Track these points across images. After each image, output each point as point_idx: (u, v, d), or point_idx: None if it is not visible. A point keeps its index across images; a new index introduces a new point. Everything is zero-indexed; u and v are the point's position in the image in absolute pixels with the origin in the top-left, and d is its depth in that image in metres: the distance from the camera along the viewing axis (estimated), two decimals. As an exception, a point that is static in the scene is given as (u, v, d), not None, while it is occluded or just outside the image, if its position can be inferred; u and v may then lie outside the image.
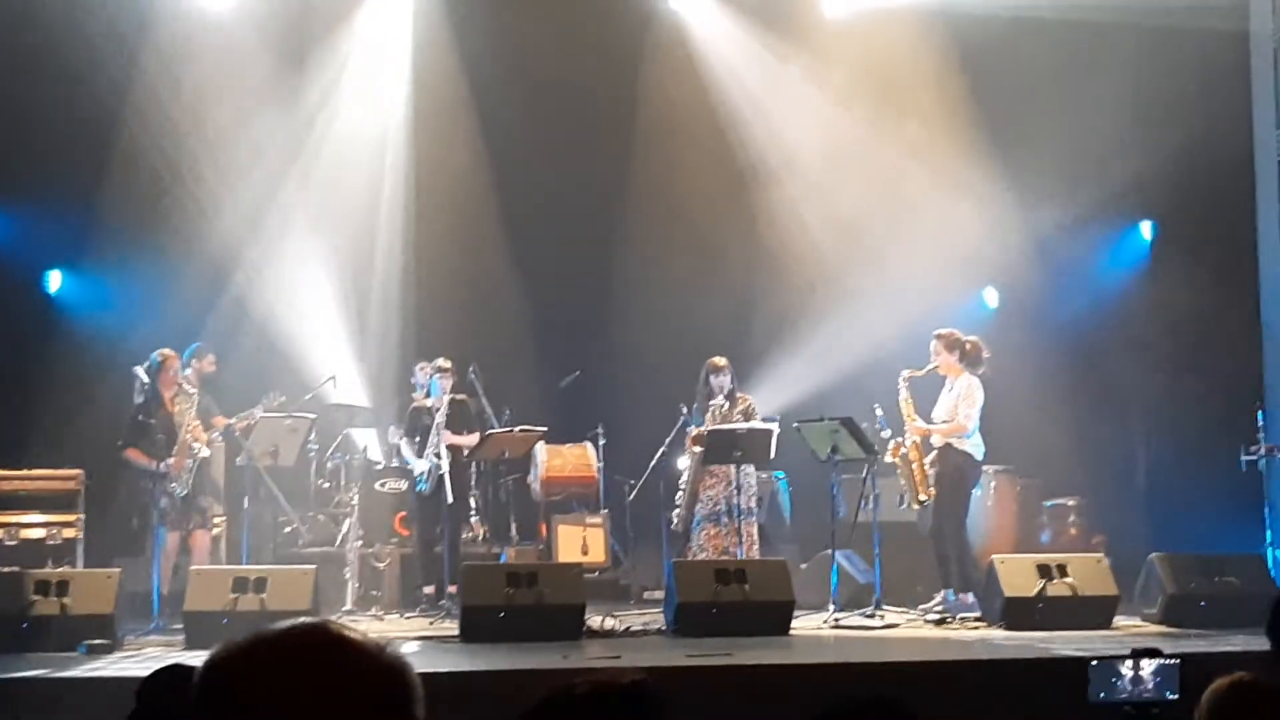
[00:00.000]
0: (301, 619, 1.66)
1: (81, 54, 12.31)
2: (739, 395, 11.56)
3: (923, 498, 10.71)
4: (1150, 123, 13.04)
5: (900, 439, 10.76)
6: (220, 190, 13.10)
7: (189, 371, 11.06)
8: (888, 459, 10.80)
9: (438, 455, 11.19)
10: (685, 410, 11.73)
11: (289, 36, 13.24)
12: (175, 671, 4.51)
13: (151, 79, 12.83)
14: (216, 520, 11.56)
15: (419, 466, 11.40)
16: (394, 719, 1.61)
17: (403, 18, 13.65)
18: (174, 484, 10.47)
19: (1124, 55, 12.75)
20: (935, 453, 10.68)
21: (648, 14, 13.98)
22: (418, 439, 11.47)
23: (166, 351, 10.82)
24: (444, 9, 13.50)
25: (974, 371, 10.72)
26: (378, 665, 1.62)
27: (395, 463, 12.54)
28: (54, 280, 13.20)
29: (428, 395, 11.62)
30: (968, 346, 10.78)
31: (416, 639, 9.35)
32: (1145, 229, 13.82)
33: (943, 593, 10.59)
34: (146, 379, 10.73)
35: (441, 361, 11.61)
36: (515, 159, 13.77)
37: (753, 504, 11.44)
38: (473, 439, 11.53)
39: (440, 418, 11.27)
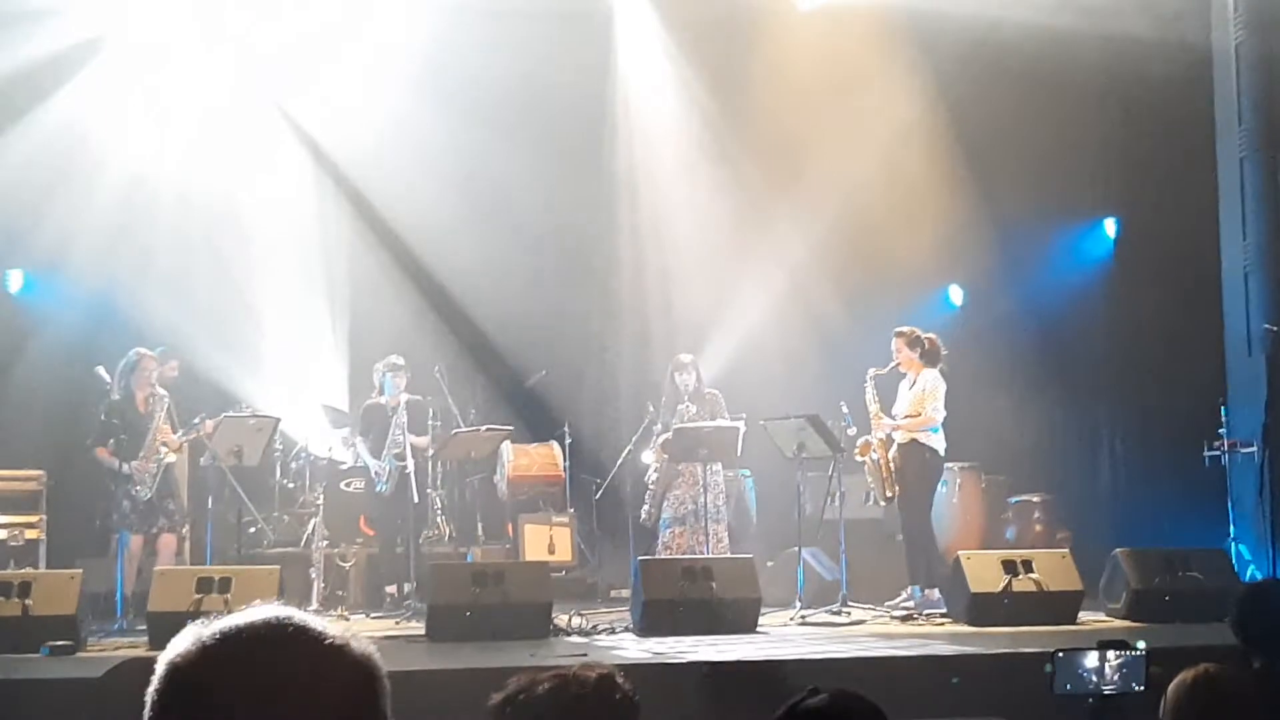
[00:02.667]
0: (266, 609, 1.63)
1: (47, 51, 12.27)
2: (707, 391, 11.56)
3: (889, 494, 10.77)
4: (1114, 120, 13.13)
5: (868, 438, 10.82)
6: (186, 189, 13.03)
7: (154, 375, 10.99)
8: (857, 458, 10.86)
9: (398, 456, 11.13)
10: (652, 408, 11.74)
11: (251, 37, 13.18)
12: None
13: (116, 78, 12.78)
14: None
15: (375, 466, 11.35)
16: (361, 712, 1.59)
17: (358, 20, 13.55)
18: (138, 487, 10.37)
19: (1088, 53, 12.82)
20: (897, 448, 10.73)
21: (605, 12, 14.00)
22: (371, 437, 11.42)
23: (143, 350, 10.70)
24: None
25: (933, 366, 10.81)
26: (345, 657, 1.60)
27: (359, 463, 12.49)
28: (14, 280, 13.09)
29: (382, 393, 11.54)
30: (927, 343, 10.90)
31: (383, 638, 9.30)
32: (1109, 226, 13.91)
33: (910, 588, 10.62)
34: (108, 378, 10.62)
35: (394, 359, 11.53)
36: (479, 156, 13.72)
37: (720, 504, 11.45)
38: (425, 440, 11.51)
39: (400, 417, 11.21)
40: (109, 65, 12.84)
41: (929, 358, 10.86)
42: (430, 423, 11.89)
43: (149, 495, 10.42)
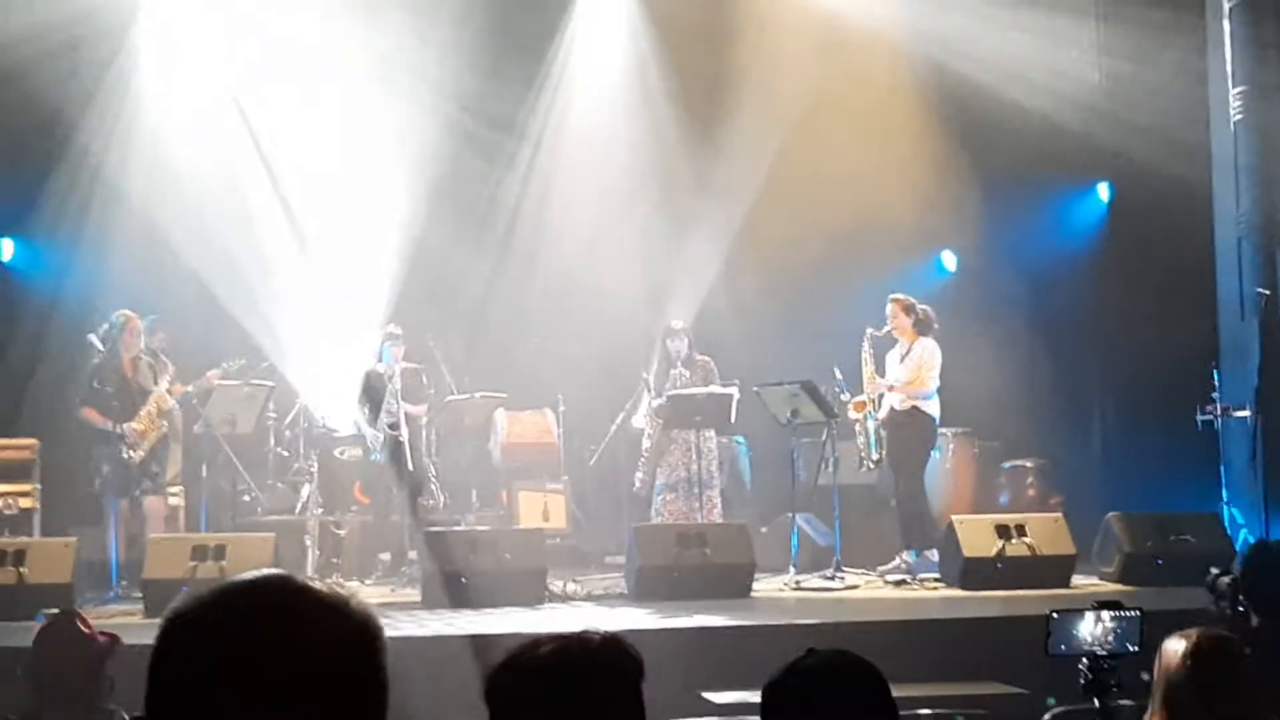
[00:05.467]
0: (264, 571, 1.63)
1: (37, 26, 12.22)
2: (698, 358, 11.54)
3: (876, 457, 10.81)
4: (1107, 83, 13.10)
5: (863, 396, 10.83)
6: (182, 158, 13.03)
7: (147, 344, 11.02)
8: (850, 414, 10.88)
9: (392, 425, 11.11)
10: (645, 375, 11.75)
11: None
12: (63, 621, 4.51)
13: (109, 48, 12.74)
14: (173, 489, 11.51)
15: (371, 434, 11.33)
16: (360, 671, 1.59)
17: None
18: (130, 451, 10.34)
19: (1078, 13, 12.81)
20: (891, 412, 10.76)
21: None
22: (369, 405, 11.40)
23: (128, 313, 10.65)
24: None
25: (925, 335, 10.85)
26: (344, 617, 1.60)
27: (354, 430, 12.47)
28: (6, 249, 13.05)
29: (380, 361, 11.53)
30: (920, 313, 10.95)
31: (378, 605, 9.30)
32: (1102, 190, 13.88)
33: (906, 553, 10.65)
34: (102, 346, 10.58)
35: (392, 328, 11.53)
36: (474, 124, 13.68)
37: (714, 470, 11.46)
38: (422, 409, 11.52)
39: (396, 384, 11.20)
40: (107, 39, 12.80)
41: (921, 327, 10.91)
42: (427, 391, 11.89)
43: (140, 458, 10.38)
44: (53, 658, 4.32)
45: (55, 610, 8.44)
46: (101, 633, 4.92)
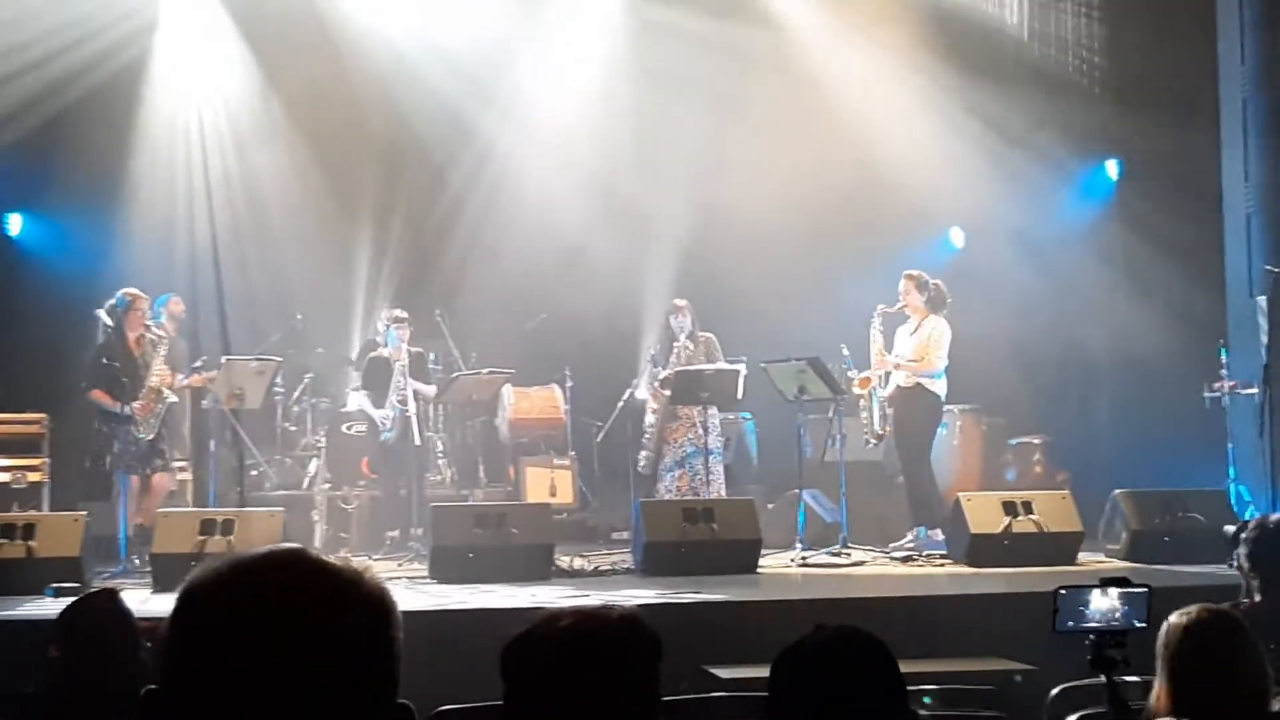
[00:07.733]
0: (279, 545, 1.64)
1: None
2: (700, 334, 11.55)
3: (880, 431, 10.83)
4: (1116, 59, 13.07)
5: (870, 373, 10.84)
6: (187, 133, 13.06)
7: (164, 319, 11.04)
8: (856, 390, 10.89)
9: (402, 403, 11.13)
10: (653, 351, 11.78)
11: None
12: (97, 599, 4.47)
13: (124, 31, 12.77)
14: (181, 464, 11.53)
15: (380, 416, 11.33)
16: (374, 644, 1.60)
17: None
18: (140, 429, 10.35)
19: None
20: (897, 390, 10.77)
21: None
22: (374, 389, 11.41)
23: (134, 291, 10.64)
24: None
25: (937, 313, 10.81)
26: (359, 591, 1.60)
27: (361, 407, 12.50)
28: (14, 223, 13.05)
29: (385, 345, 11.55)
30: (933, 288, 10.88)
31: (386, 579, 9.32)
32: (1111, 167, 13.84)
33: (915, 530, 10.66)
34: (110, 320, 10.56)
35: (398, 312, 11.53)
36: (479, 104, 13.67)
37: (718, 445, 11.48)
38: (430, 389, 11.55)
39: (404, 363, 11.22)
40: (125, 21, 12.83)
41: (934, 303, 10.86)
42: (431, 368, 11.92)
43: (151, 436, 10.40)
44: (96, 636, 4.28)
45: (69, 584, 8.56)
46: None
